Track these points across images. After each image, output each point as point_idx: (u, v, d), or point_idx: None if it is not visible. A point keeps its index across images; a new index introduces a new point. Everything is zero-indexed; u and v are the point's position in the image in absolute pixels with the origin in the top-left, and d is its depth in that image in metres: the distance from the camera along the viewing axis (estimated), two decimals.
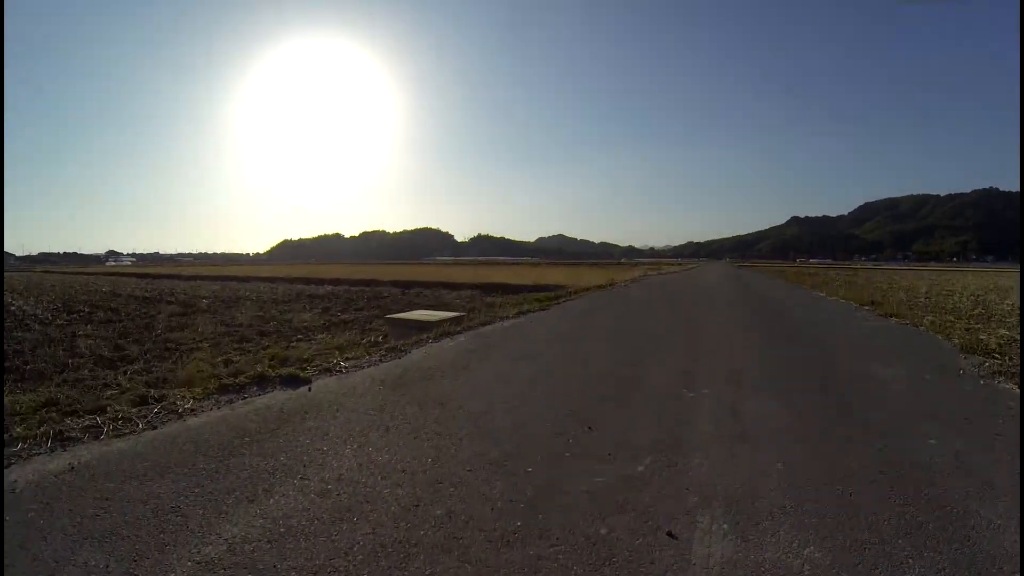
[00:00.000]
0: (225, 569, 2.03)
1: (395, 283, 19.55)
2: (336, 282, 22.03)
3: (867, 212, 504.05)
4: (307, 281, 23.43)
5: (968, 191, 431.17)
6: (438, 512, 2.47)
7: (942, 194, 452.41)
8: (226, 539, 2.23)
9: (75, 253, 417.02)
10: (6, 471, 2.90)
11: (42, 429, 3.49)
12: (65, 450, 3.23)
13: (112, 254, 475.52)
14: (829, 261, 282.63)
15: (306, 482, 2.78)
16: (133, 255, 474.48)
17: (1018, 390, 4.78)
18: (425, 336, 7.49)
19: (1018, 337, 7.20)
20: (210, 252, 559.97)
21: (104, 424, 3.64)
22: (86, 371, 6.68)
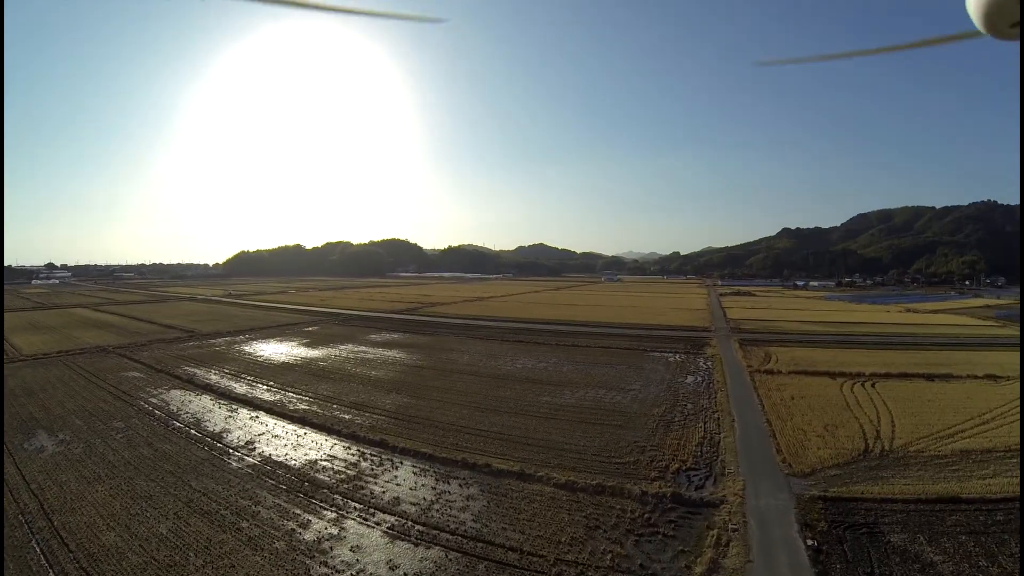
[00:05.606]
0: None
1: None
2: None
3: (860, 224, 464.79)
4: None
5: (966, 204, 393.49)
6: None
7: (938, 206, 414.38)
8: None
9: (10, 267, 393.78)
10: None
11: None
12: None
13: (50, 267, 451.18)
14: (831, 285, 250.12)
15: None
16: (72, 268, 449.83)
17: None
18: None
19: None
20: (166, 263, 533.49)
21: None
22: None
